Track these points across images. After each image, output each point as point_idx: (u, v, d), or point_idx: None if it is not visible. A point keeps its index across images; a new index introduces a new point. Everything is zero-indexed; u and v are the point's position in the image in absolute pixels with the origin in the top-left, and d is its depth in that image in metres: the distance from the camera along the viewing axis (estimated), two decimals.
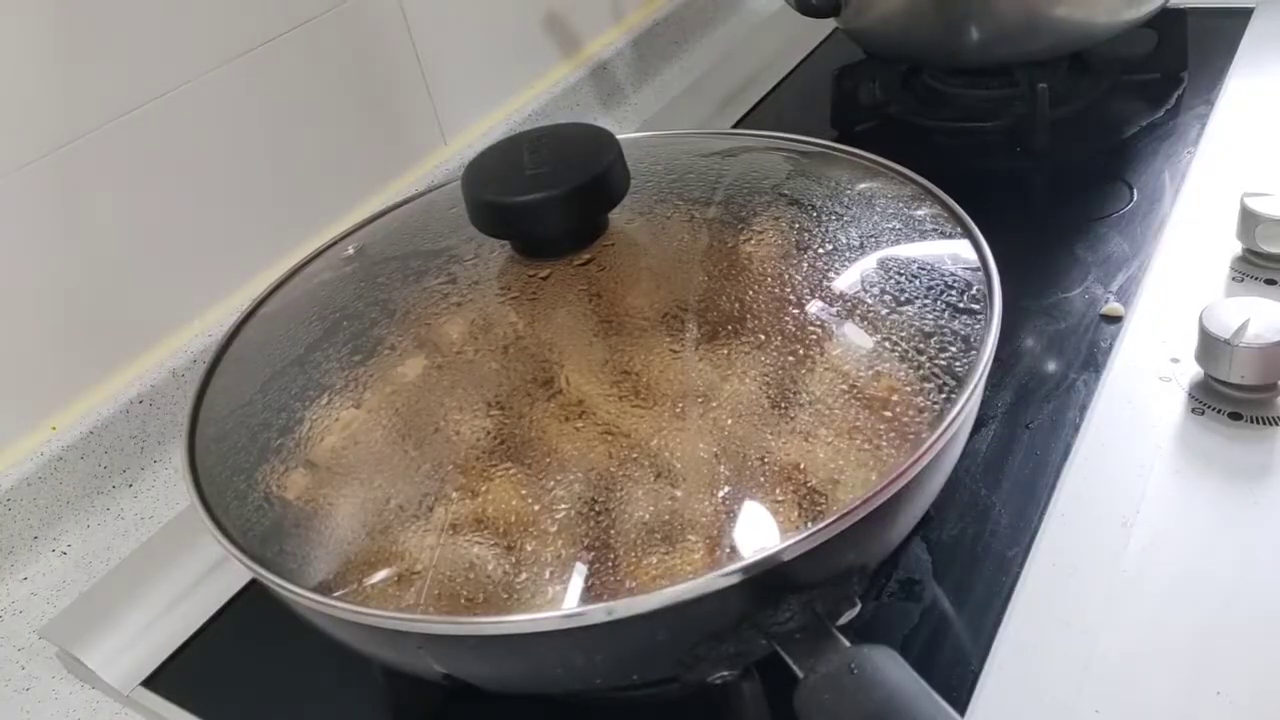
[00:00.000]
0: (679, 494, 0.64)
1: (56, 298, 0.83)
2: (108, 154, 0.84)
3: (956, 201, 0.73)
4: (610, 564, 0.64)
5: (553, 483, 0.68)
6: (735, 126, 1.22)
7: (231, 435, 0.72)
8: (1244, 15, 1.21)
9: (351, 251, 0.82)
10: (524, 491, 0.66)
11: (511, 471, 0.69)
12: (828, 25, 1.31)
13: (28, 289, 0.81)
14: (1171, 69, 1.15)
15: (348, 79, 1.01)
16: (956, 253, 0.69)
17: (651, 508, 0.63)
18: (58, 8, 0.79)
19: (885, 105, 1.17)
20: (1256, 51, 1.15)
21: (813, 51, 1.36)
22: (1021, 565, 0.66)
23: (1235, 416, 0.73)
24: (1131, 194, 0.99)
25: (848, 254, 0.84)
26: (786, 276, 0.84)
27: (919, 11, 1.07)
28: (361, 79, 1.03)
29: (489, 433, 0.73)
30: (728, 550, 0.63)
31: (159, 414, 0.89)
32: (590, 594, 0.63)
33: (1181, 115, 1.09)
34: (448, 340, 0.82)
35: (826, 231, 0.85)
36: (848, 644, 0.50)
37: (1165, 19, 1.12)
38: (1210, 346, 0.73)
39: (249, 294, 0.95)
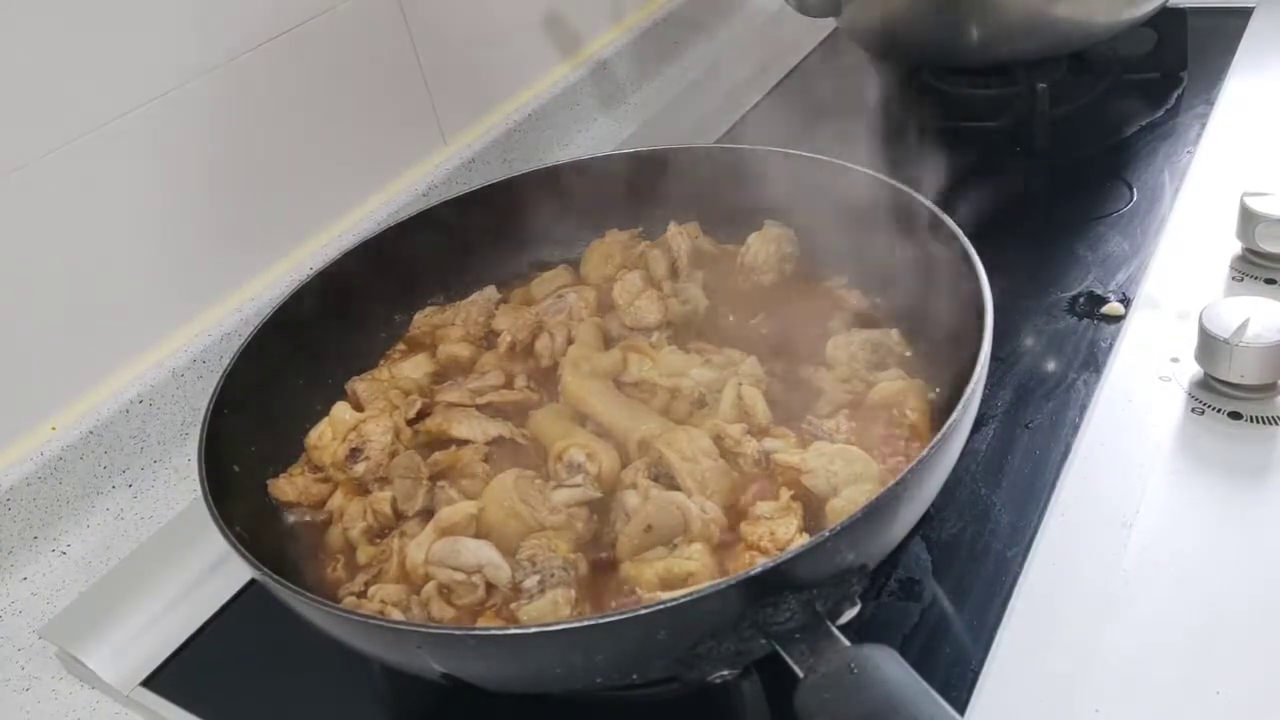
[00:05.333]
0: (680, 495, 0.64)
1: (57, 298, 0.83)
2: (109, 153, 0.84)
3: (956, 201, 0.73)
4: (611, 563, 0.64)
5: (554, 484, 0.68)
6: (734, 126, 1.22)
7: (240, 435, 0.72)
8: (1244, 15, 1.21)
9: None
10: (524, 492, 0.66)
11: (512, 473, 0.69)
12: (828, 25, 1.31)
13: (28, 289, 0.81)
14: (1171, 68, 1.15)
15: (348, 79, 1.01)
16: (947, 258, 0.69)
17: (652, 509, 0.63)
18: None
19: (885, 105, 1.17)
20: (1256, 51, 1.15)
21: (813, 51, 1.36)
22: (1021, 565, 0.66)
23: (1235, 416, 0.73)
24: (1131, 193, 0.99)
25: (841, 263, 0.84)
26: (780, 286, 0.85)
27: (919, 11, 1.07)
28: (361, 79, 1.03)
29: (490, 435, 0.74)
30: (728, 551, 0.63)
31: (159, 414, 0.89)
32: (588, 595, 0.63)
33: (1181, 115, 1.09)
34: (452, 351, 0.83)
35: (818, 242, 0.85)
36: (848, 643, 0.50)
37: (1165, 18, 1.12)
38: (1210, 346, 0.73)
39: (249, 294, 0.96)
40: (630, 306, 0.82)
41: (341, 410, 0.76)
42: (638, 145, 1.15)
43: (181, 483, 0.88)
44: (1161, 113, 1.10)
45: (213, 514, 0.61)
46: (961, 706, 0.59)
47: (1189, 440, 0.73)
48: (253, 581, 0.73)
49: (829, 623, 0.51)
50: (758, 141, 0.88)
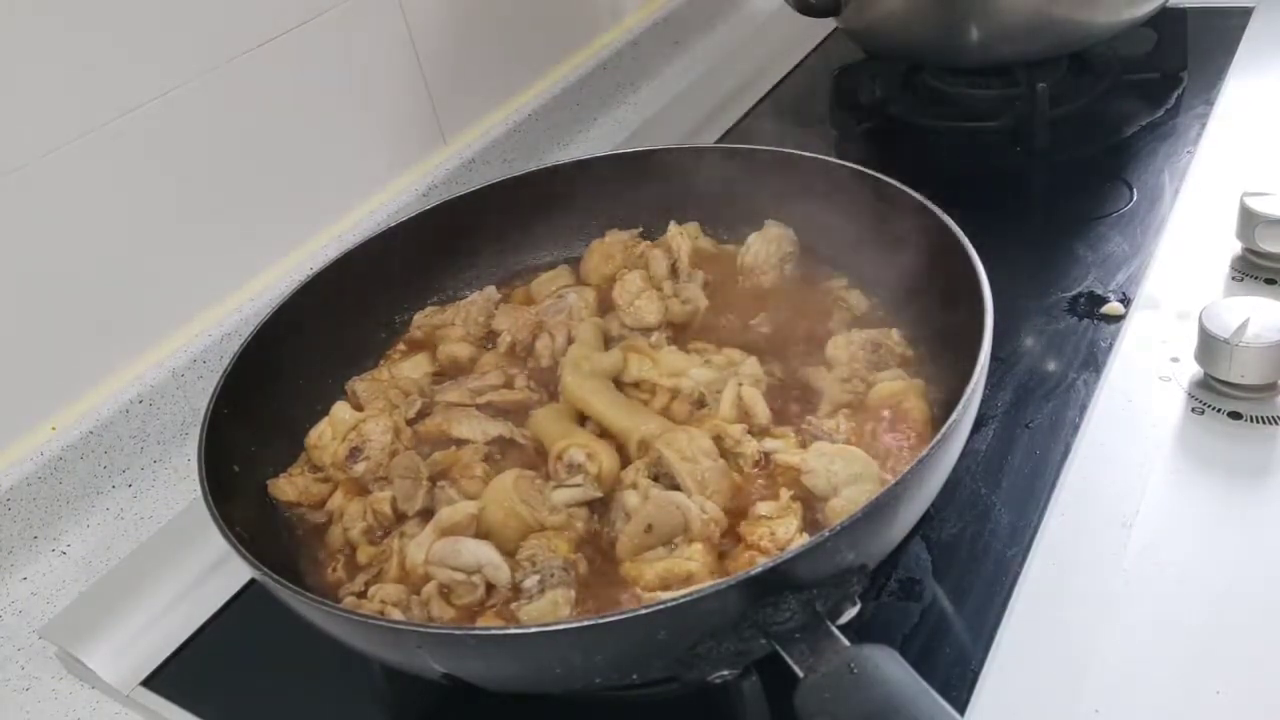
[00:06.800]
0: (679, 495, 0.64)
1: (57, 298, 0.83)
2: (109, 153, 0.84)
3: (956, 201, 0.73)
4: (610, 563, 0.64)
5: (554, 484, 0.68)
6: (735, 126, 1.22)
7: (240, 434, 0.72)
8: (1244, 15, 1.21)
9: None
10: (524, 492, 0.66)
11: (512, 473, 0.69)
12: (828, 25, 1.31)
13: (28, 289, 0.81)
14: (1171, 68, 1.15)
15: (348, 79, 1.01)
16: (947, 258, 0.69)
17: (652, 509, 0.63)
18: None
19: (885, 105, 1.17)
20: (1256, 51, 1.15)
21: (813, 51, 1.36)
22: (1021, 565, 0.66)
23: (1235, 416, 0.73)
24: (1131, 193, 0.99)
25: (842, 263, 0.84)
26: (780, 286, 0.85)
27: (919, 11, 1.07)
28: (362, 79, 1.03)
29: (490, 435, 0.74)
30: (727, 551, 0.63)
31: (159, 414, 0.89)
32: (589, 595, 0.63)
33: (1181, 115, 1.09)
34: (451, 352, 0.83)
35: (818, 242, 0.85)
36: (848, 643, 0.50)
37: (1165, 18, 1.12)
38: (1210, 346, 0.73)
39: (249, 294, 0.96)
40: (630, 306, 0.82)
41: (341, 410, 0.76)
42: (638, 145, 1.16)
43: (181, 483, 0.88)
44: (1161, 113, 1.10)
45: (213, 514, 0.61)
46: (961, 706, 0.59)
47: (1189, 440, 0.73)
48: (253, 581, 0.73)
49: (829, 623, 0.51)
50: (758, 141, 0.88)
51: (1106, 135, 1.09)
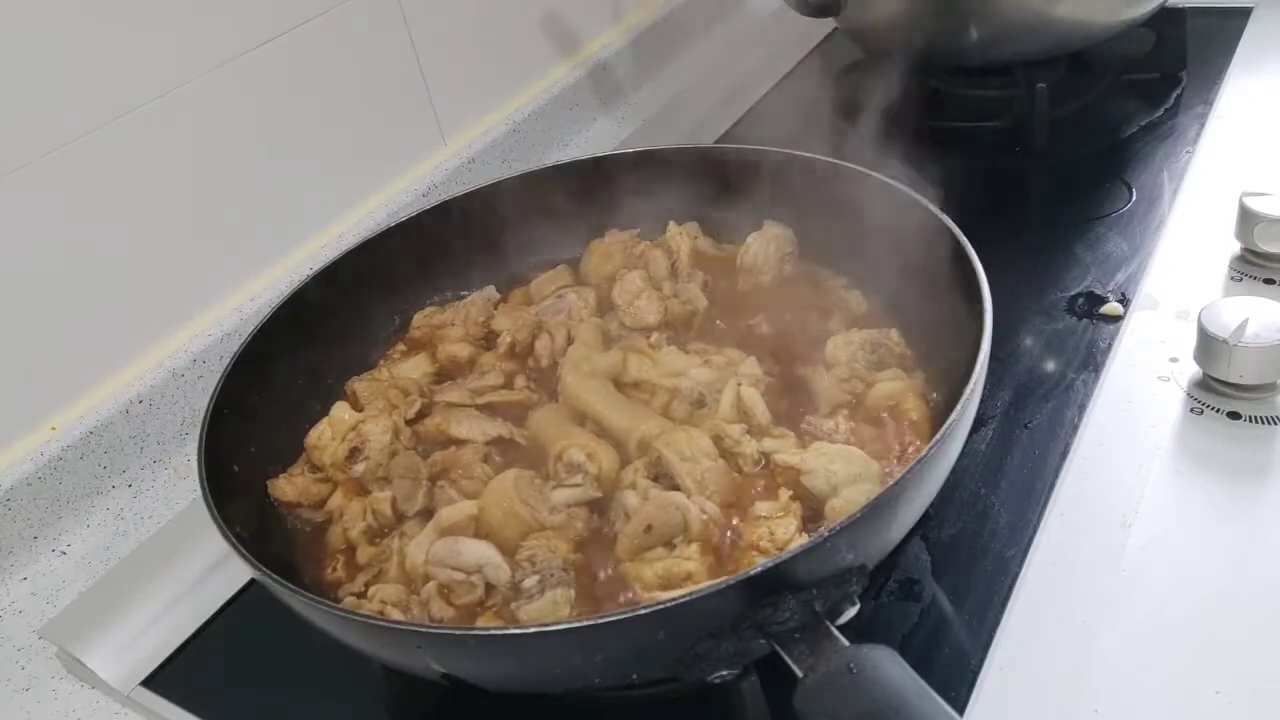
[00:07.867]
0: (679, 495, 0.64)
1: (57, 298, 0.83)
2: (109, 153, 0.84)
3: (955, 201, 0.73)
4: (609, 563, 0.64)
5: (553, 484, 0.68)
6: (734, 127, 1.22)
7: (240, 435, 0.72)
8: (1243, 15, 1.21)
9: None
10: (524, 492, 0.66)
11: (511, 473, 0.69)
12: (828, 25, 1.31)
13: (28, 289, 0.81)
14: (1170, 69, 1.15)
15: (348, 79, 1.01)
16: (947, 258, 0.69)
17: (652, 509, 0.63)
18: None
19: (884, 105, 1.17)
20: (1256, 51, 1.15)
21: (812, 51, 1.36)
22: (1021, 565, 0.66)
23: (1234, 416, 0.73)
24: (1130, 193, 0.99)
25: (841, 263, 0.84)
26: (780, 286, 0.85)
27: (919, 11, 1.07)
28: (361, 79, 1.03)
29: (490, 435, 0.74)
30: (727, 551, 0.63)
31: (159, 414, 0.89)
32: (588, 595, 0.63)
33: (1180, 115, 1.09)
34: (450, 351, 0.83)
35: (818, 243, 0.85)
36: (847, 643, 0.50)
37: (1164, 18, 1.12)
38: (1209, 346, 0.73)
39: (249, 294, 0.96)
40: (630, 306, 0.82)
41: (341, 410, 0.76)
42: (638, 145, 1.15)
43: (181, 483, 0.88)
44: (1161, 113, 1.10)
45: (213, 514, 0.61)
46: (961, 706, 0.59)
47: (1188, 440, 0.73)
48: (253, 581, 0.73)
49: (828, 623, 0.51)
50: (758, 141, 0.88)
51: (1106, 135, 1.09)
